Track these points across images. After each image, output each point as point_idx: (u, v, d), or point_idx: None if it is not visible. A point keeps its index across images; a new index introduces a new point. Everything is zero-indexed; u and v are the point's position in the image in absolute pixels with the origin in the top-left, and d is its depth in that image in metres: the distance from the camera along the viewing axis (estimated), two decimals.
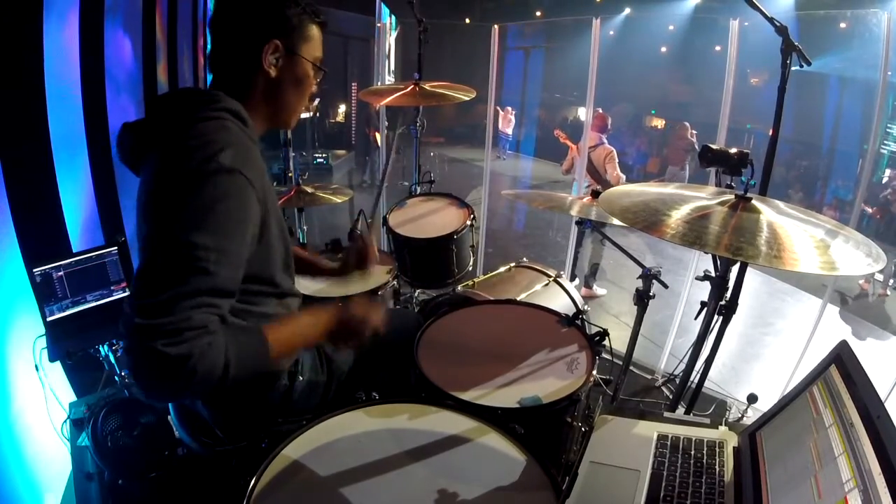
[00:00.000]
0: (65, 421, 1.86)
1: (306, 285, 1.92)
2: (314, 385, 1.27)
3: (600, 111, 4.48)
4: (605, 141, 4.36)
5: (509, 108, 12.12)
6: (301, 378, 1.23)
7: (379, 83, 4.32)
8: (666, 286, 1.88)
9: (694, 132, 9.23)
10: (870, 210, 6.79)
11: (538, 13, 11.14)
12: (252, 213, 0.95)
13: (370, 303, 1.15)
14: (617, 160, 4.28)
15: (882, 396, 0.73)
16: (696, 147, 9.53)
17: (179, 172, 0.90)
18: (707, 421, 1.06)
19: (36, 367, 1.81)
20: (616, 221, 1.69)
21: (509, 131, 12.45)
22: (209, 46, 1.09)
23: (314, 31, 1.10)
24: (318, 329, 1.06)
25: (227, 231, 0.89)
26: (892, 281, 5.82)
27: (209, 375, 0.84)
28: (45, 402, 1.82)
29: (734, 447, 0.97)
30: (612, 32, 9.74)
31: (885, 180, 7.35)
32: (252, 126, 1.06)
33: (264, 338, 0.95)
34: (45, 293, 1.91)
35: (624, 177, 4.32)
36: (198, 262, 0.85)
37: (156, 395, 0.86)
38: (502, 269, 2.18)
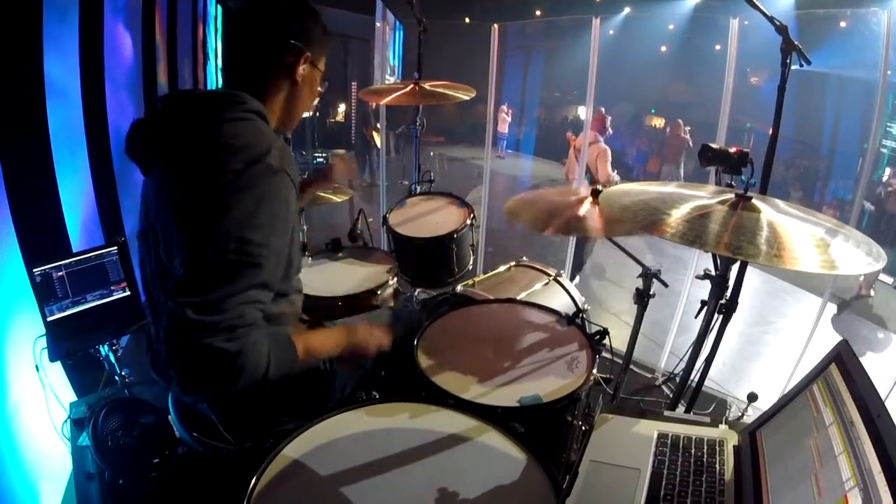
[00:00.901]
0: (65, 421, 1.87)
1: (306, 285, 1.92)
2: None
3: (602, 111, 4.46)
4: (601, 140, 4.35)
5: (504, 107, 12.12)
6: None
7: (379, 83, 4.32)
8: (666, 285, 1.87)
9: (687, 128, 9.21)
10: (870, 206, 6.81)
11: (538, 12, 11.12)
12: (294, 211, 1.01)
13: (378, 324, 1.24)
14: (609, 159, 4.26)
15: (882, 395, 0.73)
16: (690, 145, 9.55)
17: (224, 173, 0.92)
18: (707, 420, 1.06)
19: (36, 367, 1.81)
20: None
21: (505, 130, 12.47)
22: (226, 48, 1.11)
23: (328, 47, 1.17)
24: (335, 345, 1.14)
25: (276, 228, 0.94)
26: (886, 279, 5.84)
27: (255, 372, 0.90)
28: (46, 402, 1.82)
29: (734, 446, 0.97)
30: (611, 32, 9.74)
31: (885, 179, 7.35)
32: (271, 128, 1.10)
33: (293, 344, 1.02)
34: (45, 293, 1.91)
35: (617, 177, 4.31)
36: (250, 258, 0.89)
37: (201, 390, 0.90)
38: (502, 268, 2.18)
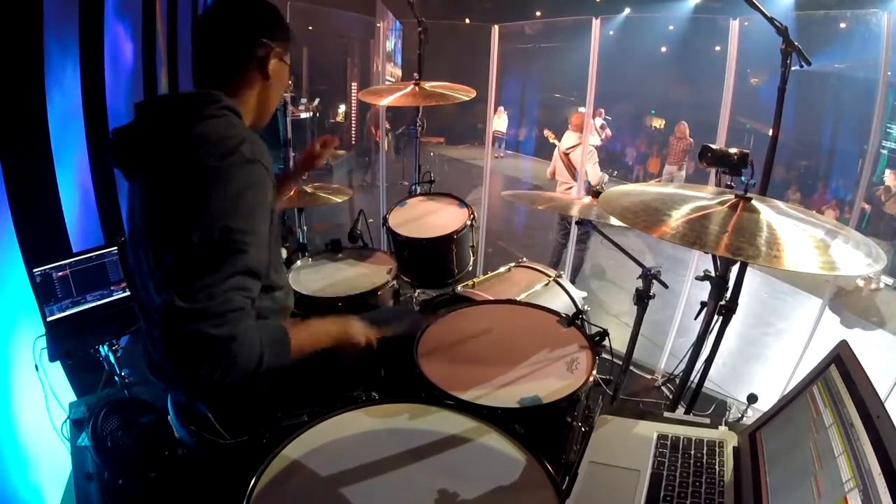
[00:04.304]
0: (65, 421, 1.87)
1: (307, 285, 1.92)
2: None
3: (582, 111, 4.38)
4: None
5: (500, 109, 12.16)
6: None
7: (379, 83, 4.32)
8: (666, 286, 1.88)
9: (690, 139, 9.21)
10: (867, 207, 6.82)
11: (538, 13, 11.13)
12: (271, 199, 1.03)
13: (369, 323, 1.23)
14: (596, 159, 4.23)
15: (882, 396, 0.73)
16: (692, 146, 9.56)
17: (201, 168, 0.95)
18: (707, 421, 1.06)
19: (36, 367, 1.81)
20: (615, 221, 1.69)
21: (503, 129, 12.50)
22: (197, 49, 1.13)
23: (291, 43, 1.20)
24: (329, 337, 1.14)
25: (256, 215, 0.97)
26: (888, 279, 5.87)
27: (249, 360, 0.91)
28: (46, 402, 1.82)
29: (734, 447, 0.97)
30: (612, 32, 9.73)
31: (885, 180, 7.36)
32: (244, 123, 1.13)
33: (288, 335, 1.02)
34: (45, 293, 1.91)
35: (606, 176, 4.28)
36: (234, 245, 0.91)
37: (195, 381, 0.88)
38: (502, 269, 2.18)
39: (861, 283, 5.84)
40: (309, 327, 1.14)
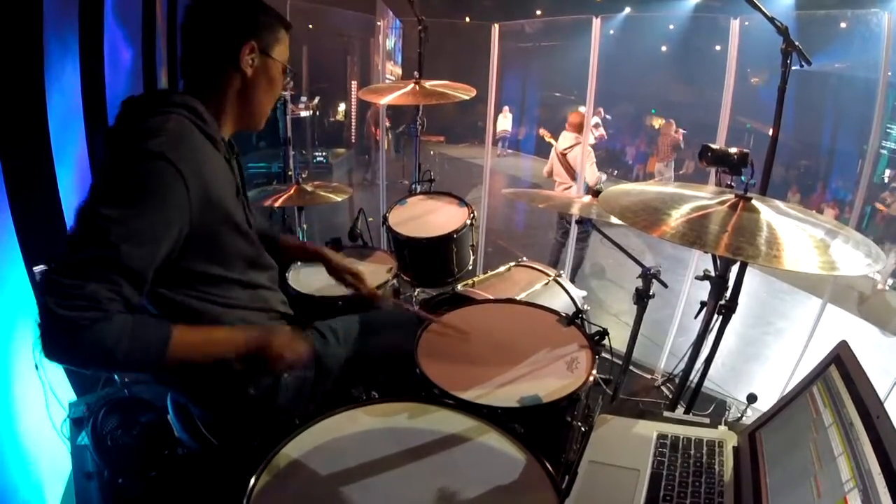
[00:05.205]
0: (65, 420, 1.86)
1: (307, 284, 1.92)
2: (302, 382, 1.25)
3: (579, 110, 4.35)
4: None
5: (506, 108, 12.18)
6: (287, 375, 1.22)
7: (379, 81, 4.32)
8: (665, 285, 1.88)
9: (680, 130, 9.20)
10: (883, 208, 6.80)
11: (538, 12, 11.12)
12: (174, 200, 0.95)
13: (297, 335, 1.14)
14: (594, 159, 4.19)
15: (882, 396, 0.73)
16: (682, 145, 9.56)
17: (111, 157, 0.97)
18: (707, 421, 1.06)
19: (36, 366, 1.81)
20: (615, 221, 1.69)
21: (508, 128, 12.52)
22: (180, 51, 1.12)
23: (283, 34, 1.17)
24: (230, 346, 1.04)
25: (138, 210, 0.91)
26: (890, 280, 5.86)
27: (93, 350, 0.87)
28: (45, 401, 1.82)
29: (734, 447, 0.97)
30: (612, 32, 9.73)
31: (886, 180, 7.36)
32: (212, 123, 1.08)
33: (168, 334, 0.94)
34: None
35: (604, 176, 4.26)
36: (100, 232, 0.88)
37: (50, 351, 0.87)
38: (502, 268, 2.18)
39: (880, 285, 5.81)
40: (204, 331, 1.04)
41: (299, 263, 2.12)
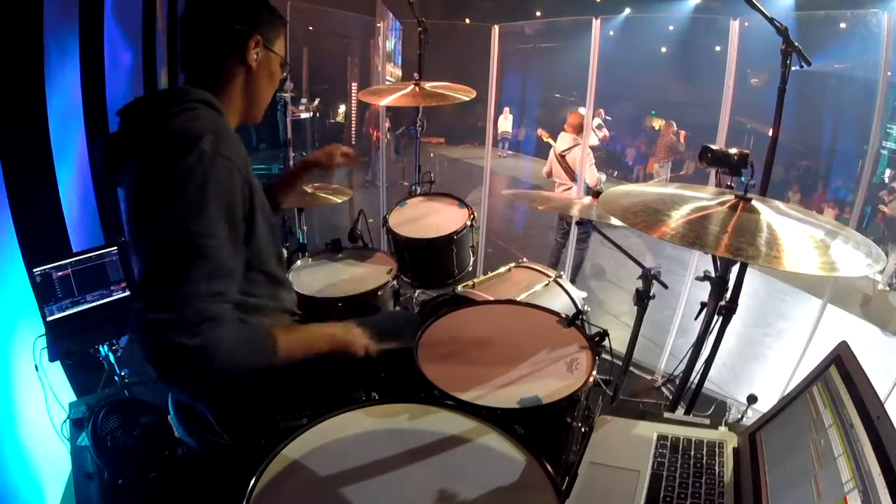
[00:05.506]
0: (65, 421, 1.87)
1: (307, 285, 1.92)
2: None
3: (578, 111, 4.33)
4: (581, 142, 4.28)
5: (507, 109, 12.20)
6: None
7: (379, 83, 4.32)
8: (666, 286, 1.87)
9: (682, 132, 9.19)
10: (884, 208, 6.80)
11: (538, 13, 11.13)
12: (238, 193, 0.98)
13: (369, 332, 1.21)
14: (593, 160, 4.15)
15: (882, 397, 0.73)
16: (681, 147, 9.57)
17: (162, 169, 0.93)
18: (707, 421, 1.06)
19: (36, 367, 1.81)
20: (615, 222, 1.69)
21: (508, 129, 12.53)
22: (181, 45, 1.12)
23: (282, 29, 1.18)
24: (323, 343, 1.12)
25: (220, 214, 0.93)
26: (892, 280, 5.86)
27: (224, 366, 0.90)
28: (45, 402, 1.82)
29: (734, 448, 0.97)
30: (612, 32, 9.74)
31: (886, 180, 7.36)
32: (225, 117, 1.10)
33: (272, 337, 1.02)
34: (45, 293, 1.91)
35: (603, 176, 4.24)
36: (198, 250, 0.88)
37: (175, 384, 0.92)
38: (502, 269, 2.18)
39: (880, 286, 5.82)
40: (303, 332, 1.12)
41: (299, 263, 2.12)
